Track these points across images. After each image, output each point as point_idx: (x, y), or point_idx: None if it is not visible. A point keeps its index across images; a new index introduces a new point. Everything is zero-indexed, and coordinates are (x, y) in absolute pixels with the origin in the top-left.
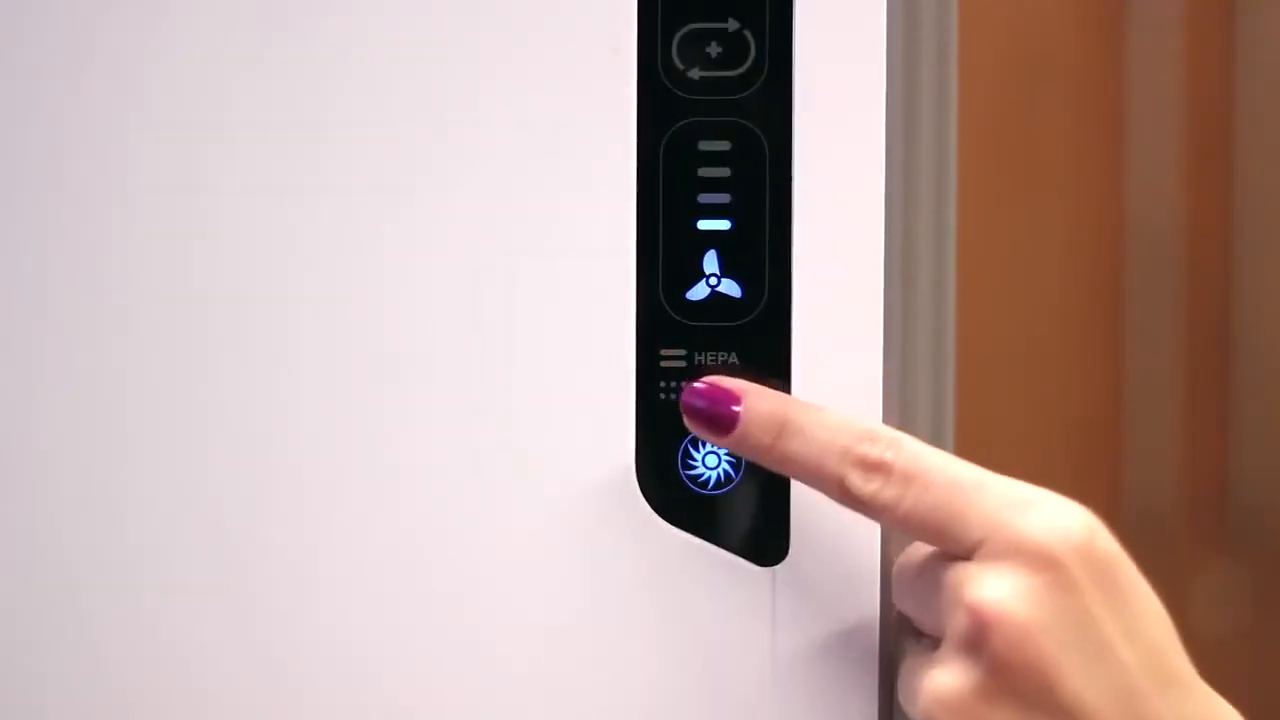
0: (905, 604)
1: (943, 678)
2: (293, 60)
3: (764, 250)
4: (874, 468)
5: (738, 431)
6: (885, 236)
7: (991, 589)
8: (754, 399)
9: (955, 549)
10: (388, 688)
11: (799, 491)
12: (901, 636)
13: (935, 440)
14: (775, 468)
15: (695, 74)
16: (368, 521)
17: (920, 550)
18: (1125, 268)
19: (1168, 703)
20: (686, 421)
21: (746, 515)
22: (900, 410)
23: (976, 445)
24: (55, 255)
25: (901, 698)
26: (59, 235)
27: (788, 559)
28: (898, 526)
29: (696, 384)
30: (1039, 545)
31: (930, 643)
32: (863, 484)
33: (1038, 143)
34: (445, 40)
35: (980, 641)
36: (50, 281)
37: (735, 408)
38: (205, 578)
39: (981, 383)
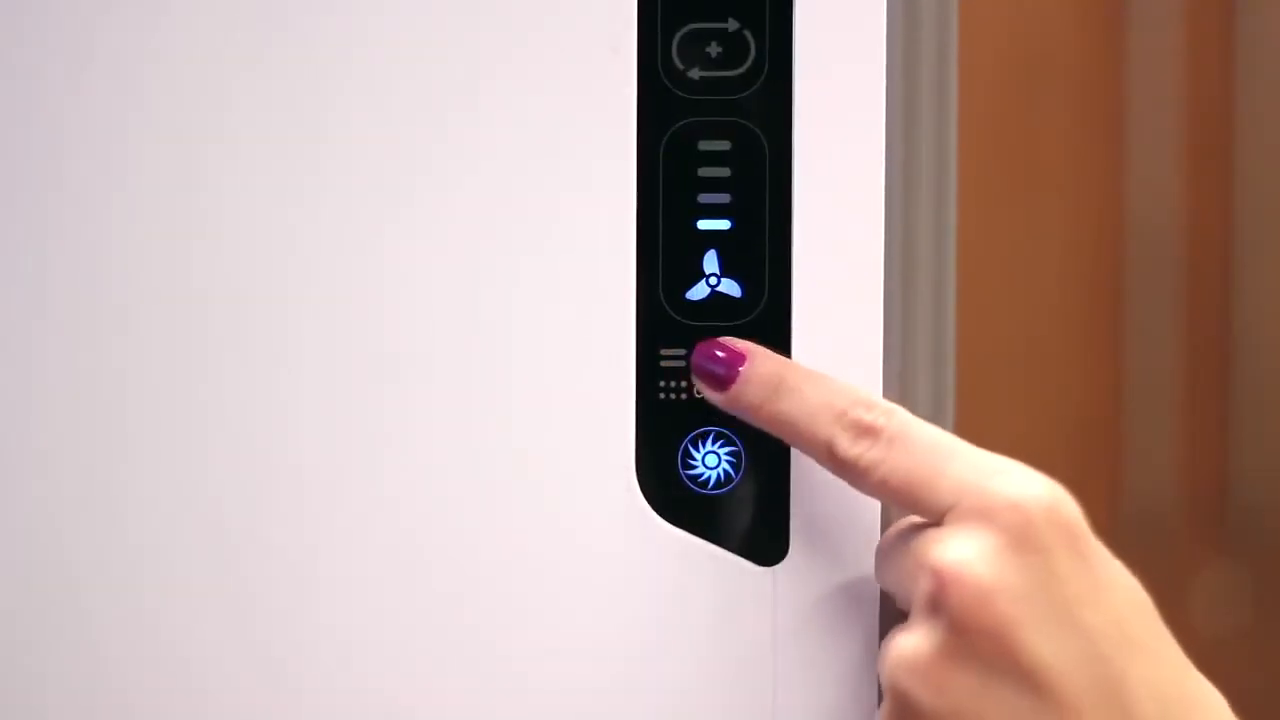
0: (883, 575)
1: (906, 641)
2: (293, 60)
3: (764, 250)
4: (864, 431)
5: (734, 388)
6: (885, 236)
7: (953, 550)
8: (758, 360)
9: (928, 514)
10: (388, 687)
11: (798, 491)
12: (886, 620)
13: None
14: (767, 427)
15: (695, 74)
16: (367, 521)
17: (899, 525)
18: (1125, 268)
19: (1134, 668)
20: (693, 375)
21: (746, 515)
22: None
23: (976, 445)
24: (55, 255)
25: (878, 669)
26: (59, 235)
27: (787, 558)
28: (875, 490)
29: (709, 343)
30: (1005, 507)
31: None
32: (849, 446)
33: (1038, 143)
34: (445, 40)
35: (940, 603)
36: (50, 281)
37: (740, 367)
38: (205, 578)
39: (981, 383)
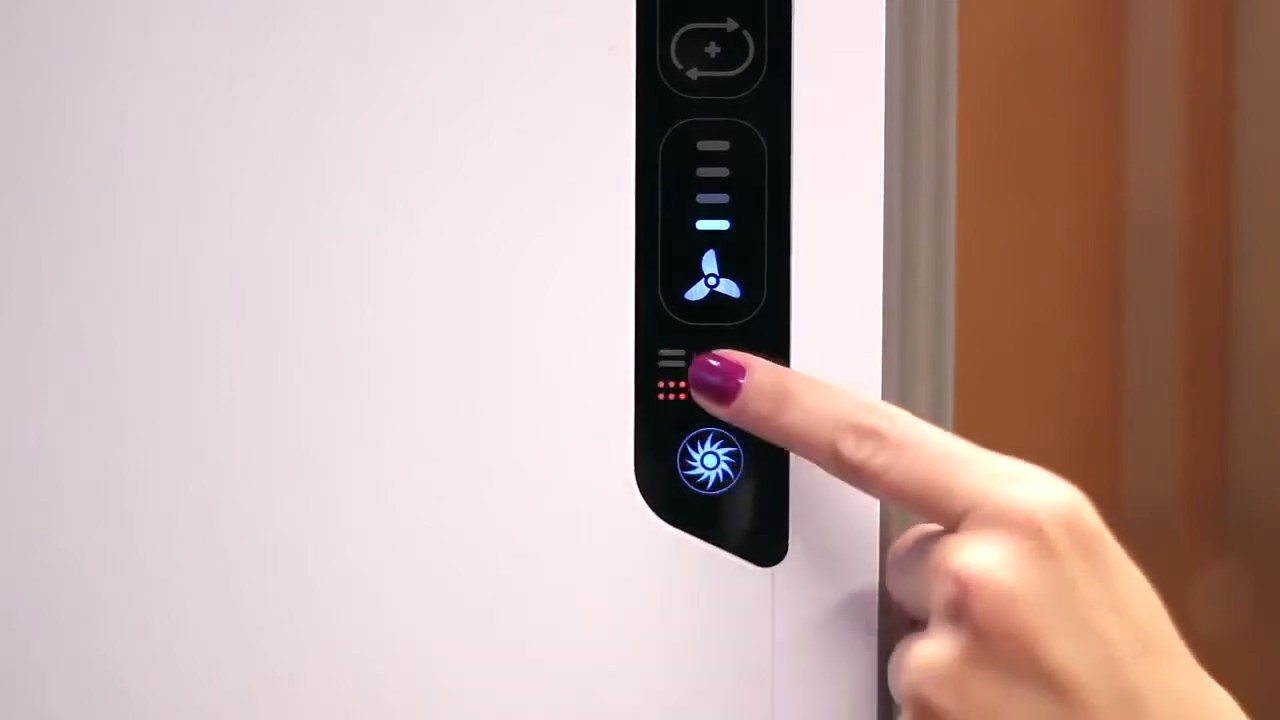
0: (897, 585)
1: (928, 648)
2: (291, 60)
3: (763, 250)
4: (867, 434)
5: (738, 402)
6: (884, 236)
7: (974, 555)
8: (759, 371)
9: (942, 520)
10: (387, 688)
11: (798, 491)
12: (896, 630)
13: None
14: (772, 438)
15: (694, 74)
16: (366, 521)
17: (912, 534)
18: (1125, 267)
19: (1150, 674)
20: (692, 391)
21: (746, 515)
22: None
23: (976, 444)
24: (54, 255)
25: (890, 681)
26: (58, 235)
27: (787, 559)
28: (886, 495)
29: (705, 356)
30: (1023, 513)
31: (921, 628)
32: (854, 450)
33: (1038, 142)
34: (444, 40)
35: (963, 608)
36: (50, 282)
37: (740, 380)
38: (205, 578)
39: (981, 383)
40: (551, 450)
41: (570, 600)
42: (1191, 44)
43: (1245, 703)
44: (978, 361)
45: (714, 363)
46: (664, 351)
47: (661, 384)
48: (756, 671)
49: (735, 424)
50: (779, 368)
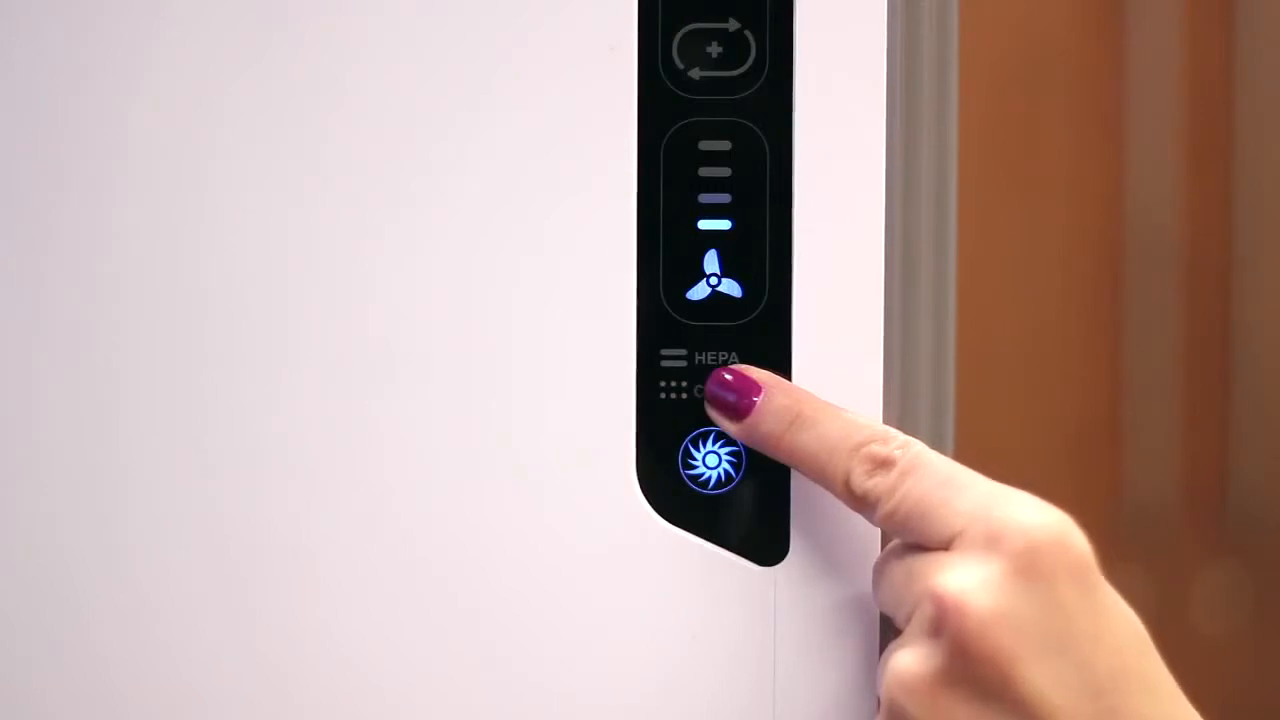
0: (881, 596)
1: (904, 659)
2: (293, 60)
3: (764, 250)
4: (881, 464)
5: (750, 419)
6: (885, 236)
7: (956, 577)
8: (774, 391)
9: (933, 541)
10: (386, 688)
11: (799, 491)
12: (886, 623)
13: (936, 440)
14: (783, 459)
15: (696, 74)
16: (367, 522)
17: (894, 545)
18: (1125, 267)
19: (1130, 702)
20: (706, 405)
21: (747, 515)
22: (901, 410)
23: (977, 445)
24: (55, 254)
25: (877, 680)
26: (58, 235)
27: (788, 559)
28: (886, 523)
29: (721, 371)
30: (1012, 534)
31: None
32: (864, 479)
33: (1038, 142)
34: (446, 40)
35: (940, 628)
36: (50, 281)
37: (755, 397)
38: (204, 578)
39: (982, 384)
40: (553, 450)
41: (571, 599)
42: (1191, 44)
43: (1245, 702)
44: (978, 362)
45: (728, 377)
46: (665, 351)
47: (663, 383)
48: (758, 670)
49: (746, 442)
50: (795, 389)
